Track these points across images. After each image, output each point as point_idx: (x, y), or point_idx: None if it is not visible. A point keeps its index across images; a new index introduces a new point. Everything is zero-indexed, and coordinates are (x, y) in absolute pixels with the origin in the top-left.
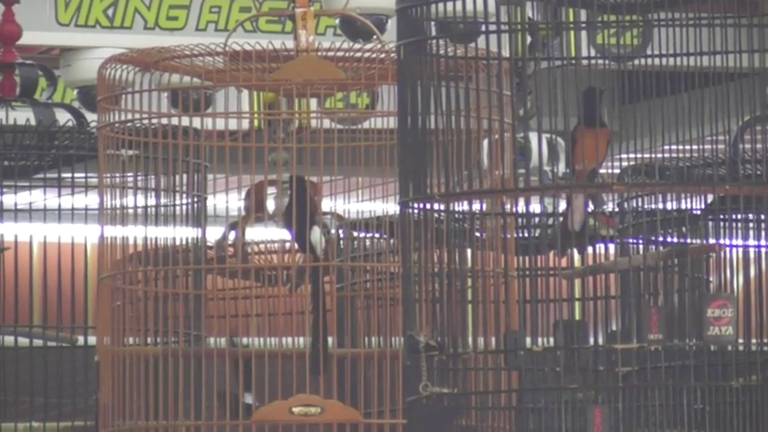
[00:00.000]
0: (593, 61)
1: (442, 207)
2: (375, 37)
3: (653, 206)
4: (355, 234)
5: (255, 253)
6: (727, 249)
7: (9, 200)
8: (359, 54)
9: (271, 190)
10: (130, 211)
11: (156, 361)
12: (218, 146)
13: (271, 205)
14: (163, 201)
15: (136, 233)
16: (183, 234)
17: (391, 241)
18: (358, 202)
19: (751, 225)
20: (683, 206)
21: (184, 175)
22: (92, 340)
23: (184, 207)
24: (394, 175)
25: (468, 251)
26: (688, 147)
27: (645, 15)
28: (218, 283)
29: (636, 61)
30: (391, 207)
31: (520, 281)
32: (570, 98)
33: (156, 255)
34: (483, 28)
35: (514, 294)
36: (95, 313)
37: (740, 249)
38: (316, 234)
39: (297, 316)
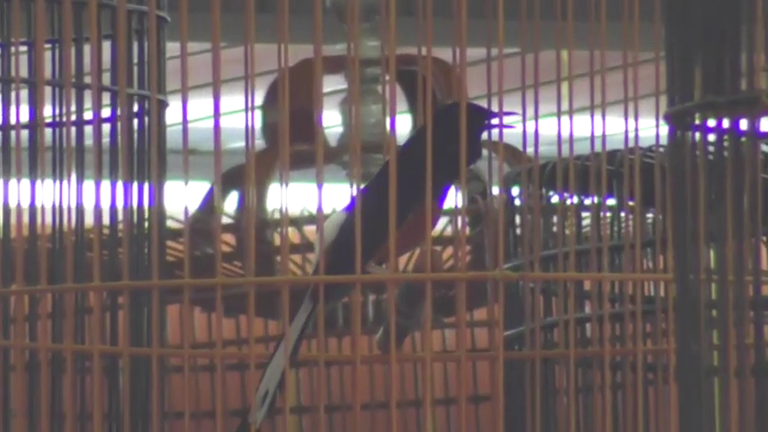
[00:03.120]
0: None
1: None
2: None
3: None
4: (552, 197)
5: (293, 250)
6: None
7: None
8: None
9: (333, 82)
10: None
11: None
12: None
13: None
14: (47, 113)
15: None
16: (100, 200)
17: (647, 218)
18: (555, 116)
19: None
20: None
21: (106, 46)
22: None
23: (107, 129)
24: (650, 47)
25: None
26: None
27: None
28: (194, 327)
29: None
30: (647, 128)
31: None
32: None
33: (33, 254)
34: None
35: None
36: None
37: None
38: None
39: (404, 413)
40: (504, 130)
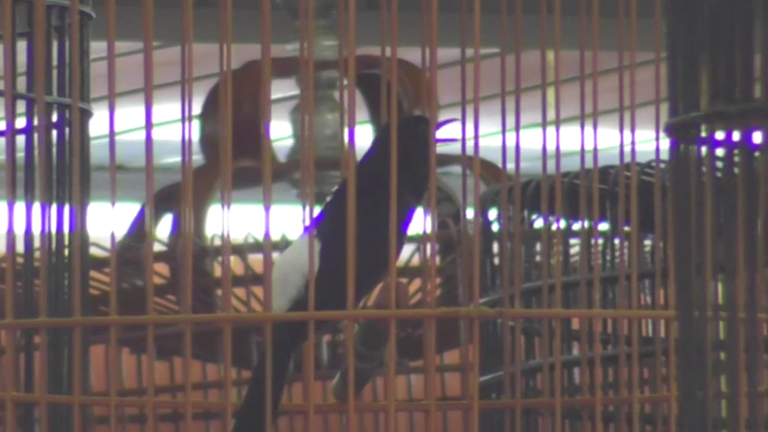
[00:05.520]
0: None
1: None
2: None
3: None
4: (536, 221)
5: (236, 283)
6: None
7: None
8: None
9: (283, 88)
10: None
11: None
12: None
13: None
14: None
15: None
16: (14, 224)
17: (645, 245)
18: (540, 127)
19: None
20: None
21: (21, 45)
22: None
23: (22, 142)
24: (650, 47)
25: None
26: None
27: None
28: (121, 371)
29: None
30: (646, 141)
31: None
32: None
33: None
34: None
35: None
36: None
37: None
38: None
39: None
40: (482, 143)
